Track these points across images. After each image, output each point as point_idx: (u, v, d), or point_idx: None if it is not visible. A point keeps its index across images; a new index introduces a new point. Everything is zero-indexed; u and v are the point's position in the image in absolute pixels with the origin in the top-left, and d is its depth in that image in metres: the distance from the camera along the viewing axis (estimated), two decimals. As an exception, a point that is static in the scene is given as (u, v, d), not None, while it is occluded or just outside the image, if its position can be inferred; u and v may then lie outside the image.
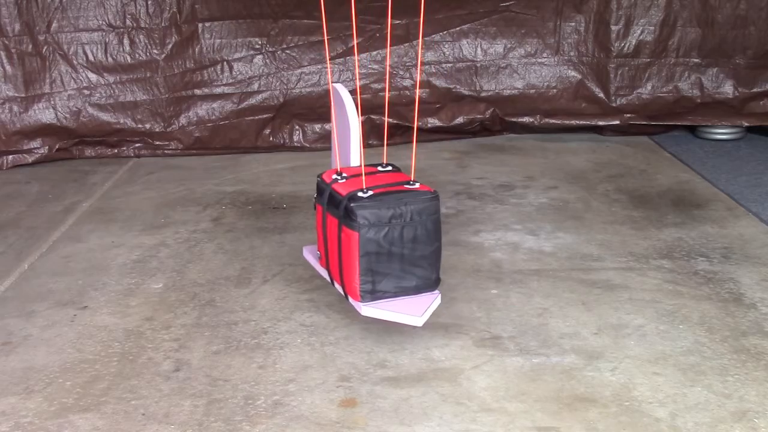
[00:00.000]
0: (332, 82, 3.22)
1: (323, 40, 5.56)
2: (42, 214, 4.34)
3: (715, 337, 2.88)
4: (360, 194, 2.81)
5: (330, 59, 5.59)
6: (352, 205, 2.77)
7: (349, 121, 3.09)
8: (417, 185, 2.91)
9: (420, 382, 2.64)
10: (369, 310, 2.82)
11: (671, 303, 3.15)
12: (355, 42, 3.87)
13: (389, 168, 3.10)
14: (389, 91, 5.54)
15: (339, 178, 2.98)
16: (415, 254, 2.81)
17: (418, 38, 5.59)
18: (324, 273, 3.12)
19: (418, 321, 2.79)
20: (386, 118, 3.63)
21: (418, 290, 2.86)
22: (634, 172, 4.86)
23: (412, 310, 2.80)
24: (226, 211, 4.31)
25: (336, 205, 2.87)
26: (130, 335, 2.99)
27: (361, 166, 3.03)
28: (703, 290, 3.25)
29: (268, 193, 4.60)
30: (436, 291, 2.91)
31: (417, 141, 3.25)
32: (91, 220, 4.25)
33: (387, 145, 3.26)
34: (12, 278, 3.53)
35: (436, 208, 2.84)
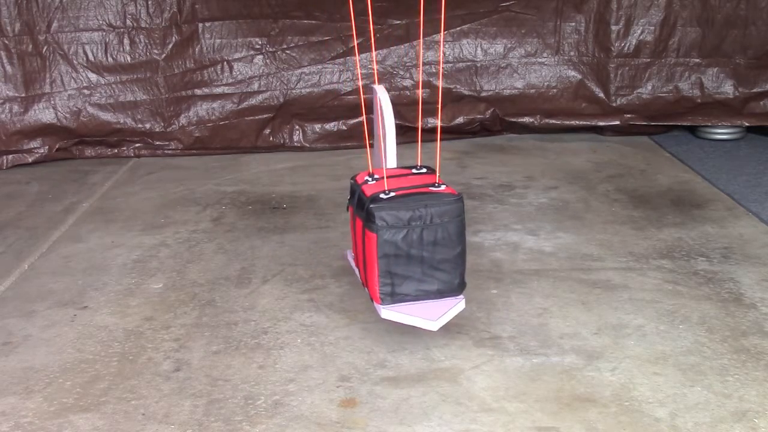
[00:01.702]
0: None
1: (323, 40, 5.58)
2: (42, 214, 4.34)
3: (715, 337, 2.88)
4: (381, 196, 2.80)
5: (330, 59, 5.59)
6: (371, 206, 2.76)
7: (385, 124, 3.08)
8: (442, 187, 2.88)
9: (420, 382, 2.64)
10: (388, 313, 2.80)
11: (671, 303, 3.15)
12: (372, 40, 3.83)
13: (423, 170, 3.08)
14: (388, 91, 5.54)
15: (370, 179, 2.97)
16: (436, 257, 2.78)
17: (418, 39, 5.58)
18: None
19: (433, 326, 2.77)
20: (419, 120, 3.58)
21: (440, 294, 2.83)
22: (634, 172, 4.86)
23: (429, 314, 2.77)
24: (226, 211, 4.31)
25: (361, 207, 2.87)
26: (130, 335, 2.99)
27: (385, 168, 3.01)
28: (703, 290, 3.25)
29: (268, 193, 4.60)
30: (461, 296, 2.87)
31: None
32: (91, 220, 4.25)
33: (420, 143, 3.23)
34: (12, 278, 3.54)
35: (459, 210, 2.80)
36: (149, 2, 5.38)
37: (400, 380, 2.65)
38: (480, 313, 3.09)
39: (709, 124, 5.52)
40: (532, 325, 3.00)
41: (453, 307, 2.83)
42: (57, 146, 5.31)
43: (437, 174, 2.98)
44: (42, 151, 5.29)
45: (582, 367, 2.71)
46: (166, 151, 5.47)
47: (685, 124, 5.60)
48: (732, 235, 3.81)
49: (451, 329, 2.96)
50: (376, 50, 5.61)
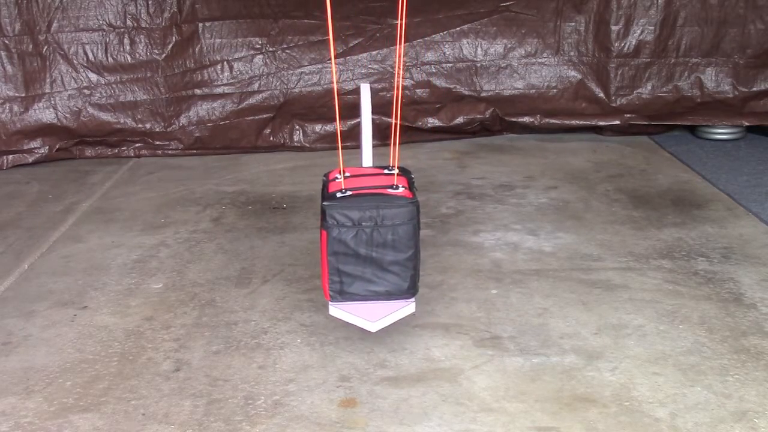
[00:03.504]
0: (336, 82, 3.22)
1: (324, 40, 5.58)
2: (42, 214, 4.34)
3: (715, 337, 2.88)
4: (337, 195, 2.82)
5: (330, 59, 5.59)
6: (323, 204, 2.79)
7: (362, 123, 3.10)
8: (400, 190, 2.86)
9: (420, 382, 2.64)
10: (335, 310, 2.82)
11: (671, 303, 3.15)
12: (332, 43, 3.83)
13: (395, 171, 3.08)
14: (388, 91, 5.54)
15: (339, 177, 2.98)
16: (385, 259, 2.78)
17: (418, 38, 5.59)
18: None
19: (371, 327, 2.77)
20: (394, 117, 3.56)
21: (390, 296, 2.82)
22: (634, 172, 4.86)
23: (371, 315, 2.78)
24: (226, 211, 4.32)
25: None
26: (130, 335, 2.99)
27: (340, 166, 3.01)
28: (703, 290, 3.25)
29: (268, 193, 4.60)
30: (412, 299, 2.85)
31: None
32: (91, 220, 4.25)
33: (399, 144, 3.22)
34: (12, 278, 3.54)
35: (410, 215, 2.79)
36: (149, 2, 5.38)
37: (400, 380, 2.65)
38: (480, 313, 3.09)
39: (709, 123, 5.52)
40: (532, 325, 3.00)
41: (398, 310, 2.81)
42: (57, 146, 5.31)
43: (395, 175, 2.96)
44: (42, 151, 5.29)
45: (582, 367, 2.71)
46: (166, 151, 5.47)
47: (685, 123, 5.60)
48: (732, 235, 3.81)
49: (450, 329, 2.96)
50: (376, 50, 5.61)
